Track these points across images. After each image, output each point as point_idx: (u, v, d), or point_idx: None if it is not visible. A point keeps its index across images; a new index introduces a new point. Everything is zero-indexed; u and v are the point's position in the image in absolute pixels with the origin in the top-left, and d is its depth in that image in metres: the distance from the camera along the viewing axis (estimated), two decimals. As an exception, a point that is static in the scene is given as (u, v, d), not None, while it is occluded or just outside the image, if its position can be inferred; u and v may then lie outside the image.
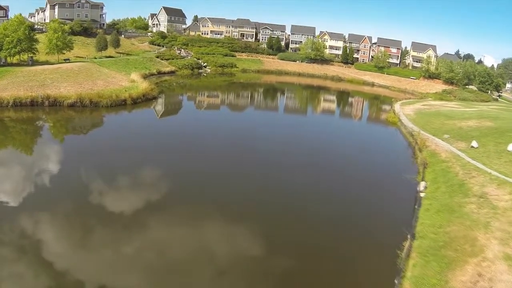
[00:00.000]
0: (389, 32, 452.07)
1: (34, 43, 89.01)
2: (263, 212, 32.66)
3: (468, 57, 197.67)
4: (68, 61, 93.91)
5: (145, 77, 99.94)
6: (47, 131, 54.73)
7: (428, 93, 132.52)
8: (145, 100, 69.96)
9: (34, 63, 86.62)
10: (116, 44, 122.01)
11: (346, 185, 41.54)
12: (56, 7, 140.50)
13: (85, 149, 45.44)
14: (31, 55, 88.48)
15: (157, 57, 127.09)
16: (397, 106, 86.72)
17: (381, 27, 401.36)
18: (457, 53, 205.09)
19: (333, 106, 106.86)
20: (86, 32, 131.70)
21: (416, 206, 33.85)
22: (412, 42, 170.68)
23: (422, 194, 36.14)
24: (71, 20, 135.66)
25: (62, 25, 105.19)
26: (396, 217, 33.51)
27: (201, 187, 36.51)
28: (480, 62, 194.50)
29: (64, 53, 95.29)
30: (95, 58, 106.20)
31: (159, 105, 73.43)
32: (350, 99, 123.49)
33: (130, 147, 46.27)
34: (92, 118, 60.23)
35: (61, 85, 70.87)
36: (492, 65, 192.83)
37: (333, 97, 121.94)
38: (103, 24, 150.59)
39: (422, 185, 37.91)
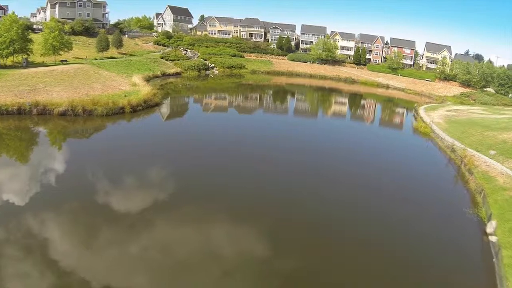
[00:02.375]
0: (397, 32, 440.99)
1: (29, 44, 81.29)
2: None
3: (478, 57, 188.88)
4: (65, 62, 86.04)
5: (148, 79, 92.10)
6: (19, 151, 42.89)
7: (446, 96, 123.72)
8: (147, 107, 61.16)
9: (29, 65, 78.72)
10: (119, 44, 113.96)
11: (387, 223, 31.48)
12: (57, 6, 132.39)
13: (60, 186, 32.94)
14: (26, 56, 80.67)
15: (162, 58, 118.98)
16: (422, 112, 78.20)
17: (389, 26, 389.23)
18: (467, 53, 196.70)
19: (352, 111, 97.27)
20: (87, 32, 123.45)
21: (494, 260, 25.38)
22: (426, 43, 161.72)
23: (493, 238, 27.72)
24: (72, 19, 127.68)
25: (60, 24, 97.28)
26: (467, 278, 24.51)
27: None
28: (490, 62, 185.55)
29: (61, 54, 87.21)
30: (96, 59, 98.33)
31: (162, 113, 64.88)
32: (368, 103, 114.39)
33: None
34: (82, 131, 50.14)
35: (54, 89, 62.87)
36: (503, 65, 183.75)
37: (351, 101, 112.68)
38: (106, 23, 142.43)
39: (491, 225, 29.22)
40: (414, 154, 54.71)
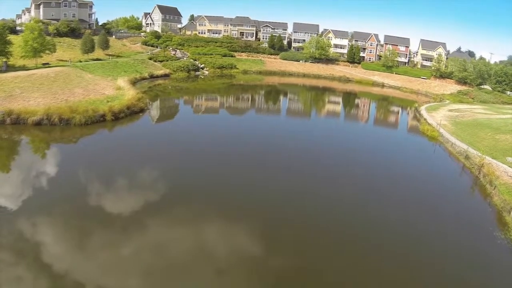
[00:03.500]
0: (388, 30, 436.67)
1: (8, 46, 75.66)
2: None
3: (470, 54, 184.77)
4: (47, 65, 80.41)
5: (135, 82, 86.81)
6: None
7: (443, 94, 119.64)
8: (130, 113, 54.93)
9: (9, 68, 73.11)
10: (105, 45, 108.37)
11: (402, 249, 26.39)
12: (41, 6, 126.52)
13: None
14: (5, 59, 75.04)
15: (150, 58, 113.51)
16: (424, 113, 73.73)
17: (380, 24, 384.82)
18: (459, 50, 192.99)
19: (350, 112, 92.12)
20: (73, 33, 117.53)
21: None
22: (421, 40, 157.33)
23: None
24: (57, 20, 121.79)
25: (42, 24, 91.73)
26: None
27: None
28: (482, 59, 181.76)
29: (42, 57, 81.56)
30: (80, 61, 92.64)
31: (146, 120, 57.46)
32: (364, 103, 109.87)
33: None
34: (52, 144, 43.70)
35: (32, 96, 57.37)
36: (495, 62, 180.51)
37: (347, 101, 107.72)
38: (92, 24, 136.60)
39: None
40: (423, 161, 49.19)
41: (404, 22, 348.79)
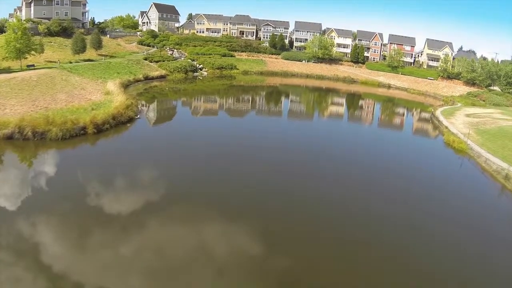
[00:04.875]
0: (391, 29, 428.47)
1: (-10, 47, 69.13)
2: None
3: (471, 53, 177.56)
4: (32, 67, 73.42)
5: (128, 84, 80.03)
6: None
7: (452, 96, 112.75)
8: (116, 124, 46.45)
9: (-8, 70, 66.46)
10: (98, 45, 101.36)
11: None
12: (32, 4, 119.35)
13: None
14: (-13, 61, 68.41)
15: (146, 59, 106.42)
16: (442, 118, 66.90)
17: (383, 22, 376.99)
18: (461, 49, 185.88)
19: (363, 117, 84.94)
20: (65, 32, 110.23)
21: None
22: (427, 39, 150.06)
23: None
24: (49, 19, 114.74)
25: (26, 23, 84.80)
26: None
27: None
28: (485, 59, 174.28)
29: (26, 58, 74.52)
30: (70, 62, 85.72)
31: (134, 134, 47.45)
32: (372, 105, 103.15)
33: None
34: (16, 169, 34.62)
35: (8, 103, 50.39)
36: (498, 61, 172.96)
37: (358, 104, 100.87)
38: (86, 23, 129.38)
39: None
40: (454, 179, 41.96)
41: (403, 20, 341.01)
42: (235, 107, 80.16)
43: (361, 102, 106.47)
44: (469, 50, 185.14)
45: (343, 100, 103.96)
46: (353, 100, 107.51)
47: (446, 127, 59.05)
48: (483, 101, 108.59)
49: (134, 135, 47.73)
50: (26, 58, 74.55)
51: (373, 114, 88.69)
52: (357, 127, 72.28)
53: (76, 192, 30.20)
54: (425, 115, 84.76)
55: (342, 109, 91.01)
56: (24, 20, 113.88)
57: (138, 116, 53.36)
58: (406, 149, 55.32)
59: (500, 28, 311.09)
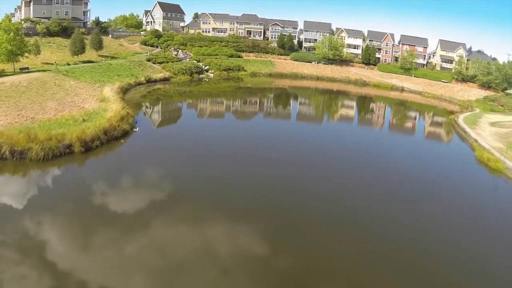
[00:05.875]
0: (401, 29, 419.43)
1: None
2: None
3: (477, 53, 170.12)
4: (25, 70, 67.78)
5: (128, 88, 74.51)
6: None
7: (469, 100, 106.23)
8: (108, 140, 39.50)
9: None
10: (98, 45, 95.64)
11: None
12: (31, 4, 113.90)
13: None
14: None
15: (149, 60, 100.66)
16: (468, 130, 60.59)
17: (392, 22, 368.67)
18: (470, 50, 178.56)
19: (379, 121, 78.70)
20: (65, 32, 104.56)
21: None
22: (440, 40, 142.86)
23: None
24: (49, 18, 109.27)
25: (26, 22, 79.38)
26: None
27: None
28: (494, 59, 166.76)
29: (18, 61, 68.91)
30: (68, 64, 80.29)
31: (129, 154, 39.57)
32: (384, 109, 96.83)
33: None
34: None
35: (-8, 112, 44.95)
36: (504, 61, 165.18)
37: (367, 108, 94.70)
38: (87, 22, 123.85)
39: None
40: (491, 203, 36.11)
41: (402, 20, 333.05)
42: (248, 118, 74.09)
43: (368, 103, 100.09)
44: (479, 51, 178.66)
45: (352, 103, 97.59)
46: (363, 102, 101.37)
47: (476, 141, 52.37)
48: (502, 106, 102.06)
49: (127, 156, 39.36)
50: (19, 60, 69.02)
51: (394, 121, 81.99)
52: (382, 136, 65.87)
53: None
54: (444, 120, 78.56)
55: (353, 113, 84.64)
56: (22, 20, 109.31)
57: (135, 129, 46.11)
58: (436, 166, 46.67)
59: (501, 27, 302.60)
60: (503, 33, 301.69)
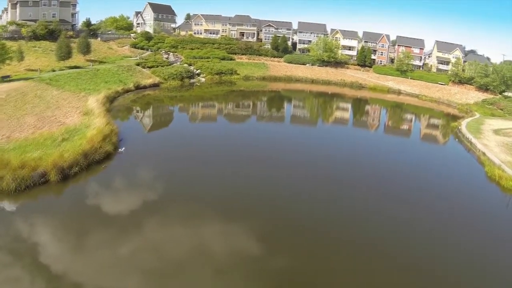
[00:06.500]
0: (396, 30, 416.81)
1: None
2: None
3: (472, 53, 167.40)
4: (7, 79, 63.81)
5: (116, 96, 70.84)
6: None
7: (467, 104, 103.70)
8: (88, 165, 34.44)
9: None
10: (86, 49, 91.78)
11: None
12: (18, 6, 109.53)
13: None
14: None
15: (138, 64, 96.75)
16: (471, 138, 57.66)
17: (387, 23, 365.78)
18: (464, 50, 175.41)
19: (380, 126, 75.61)
20: (52, 35, 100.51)
21: None
22: (436, 41, 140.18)
23: None
24: (36, 21, 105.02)
25: (11, 25, 75.45)
26: None
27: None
28: (488, 59, 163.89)
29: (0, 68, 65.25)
30: (54, 70, 76.36)
31: (111, 182, 33.83)
32: (379, 112, 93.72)
33: None
34: None
35: (-37, 130, 41.12)
36: (499, 62, 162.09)
37: (362, 111, 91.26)
38: (75, 25, 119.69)
39: None
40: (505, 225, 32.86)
41: (400, 20, 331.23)
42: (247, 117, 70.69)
43: (367, 107, 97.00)
44: (471, 51, 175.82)
45: (347, 105, 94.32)
46: (358, 105, 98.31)
47: (484, 154, 49.13)
48: (501, 109, 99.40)
49: (107, 187, 33.09)
50: (0, 68, 65.24)
51: (394, 127, 78.86)
52: (383, 144, 62.47)
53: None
54: (446, 128, 75.62)
55: (347, 117, 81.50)
56: (8, 23, 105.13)
57: (121, 149, 40.52)
58: (443, 183, 43.06)
59: (498, 27, 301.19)
60: (495, 33, 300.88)
